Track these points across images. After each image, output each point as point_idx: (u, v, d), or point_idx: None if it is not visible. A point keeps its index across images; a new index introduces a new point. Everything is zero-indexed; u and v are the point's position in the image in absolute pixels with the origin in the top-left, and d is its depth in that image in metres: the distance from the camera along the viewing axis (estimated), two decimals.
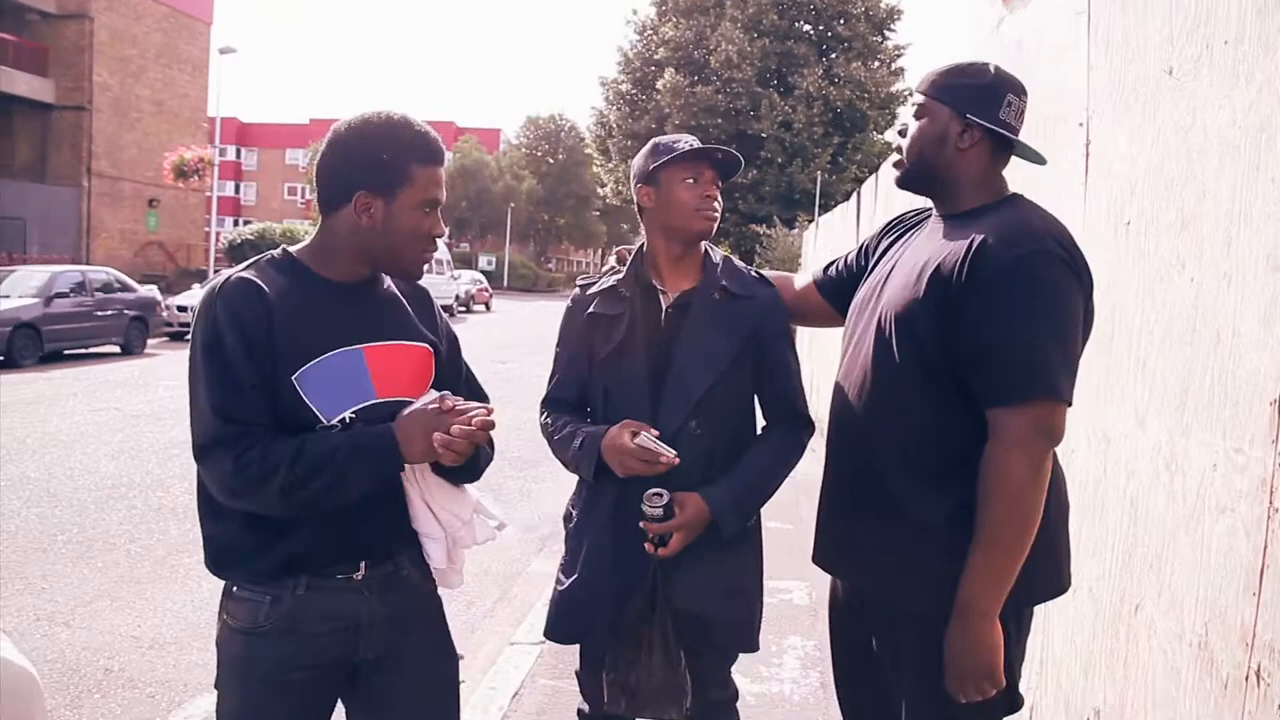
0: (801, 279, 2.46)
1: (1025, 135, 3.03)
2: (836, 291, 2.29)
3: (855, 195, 8.96)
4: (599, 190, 49.62)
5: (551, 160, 69.14)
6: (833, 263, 2.39)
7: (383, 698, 1.93)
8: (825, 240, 11.24)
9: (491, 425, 1.77)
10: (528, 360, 16.50)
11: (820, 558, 2.13)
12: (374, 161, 1.79)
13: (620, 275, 2.32)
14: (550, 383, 2.40)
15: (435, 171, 1.85)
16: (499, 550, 5.99)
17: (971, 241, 1.81)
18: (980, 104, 1.94)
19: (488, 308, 37.89)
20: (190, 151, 26.94)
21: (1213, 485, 1.89)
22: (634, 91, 36.62)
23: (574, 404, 2.35)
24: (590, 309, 2.30)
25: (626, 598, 2.16)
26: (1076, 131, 2.78)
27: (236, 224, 49.40)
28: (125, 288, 16.63)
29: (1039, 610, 2.69)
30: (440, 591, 2.04)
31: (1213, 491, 1.89)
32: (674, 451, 2.08)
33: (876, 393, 1.94)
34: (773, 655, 4.09)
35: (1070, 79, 2.84)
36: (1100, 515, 2.46)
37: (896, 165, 2.11)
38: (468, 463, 1.82)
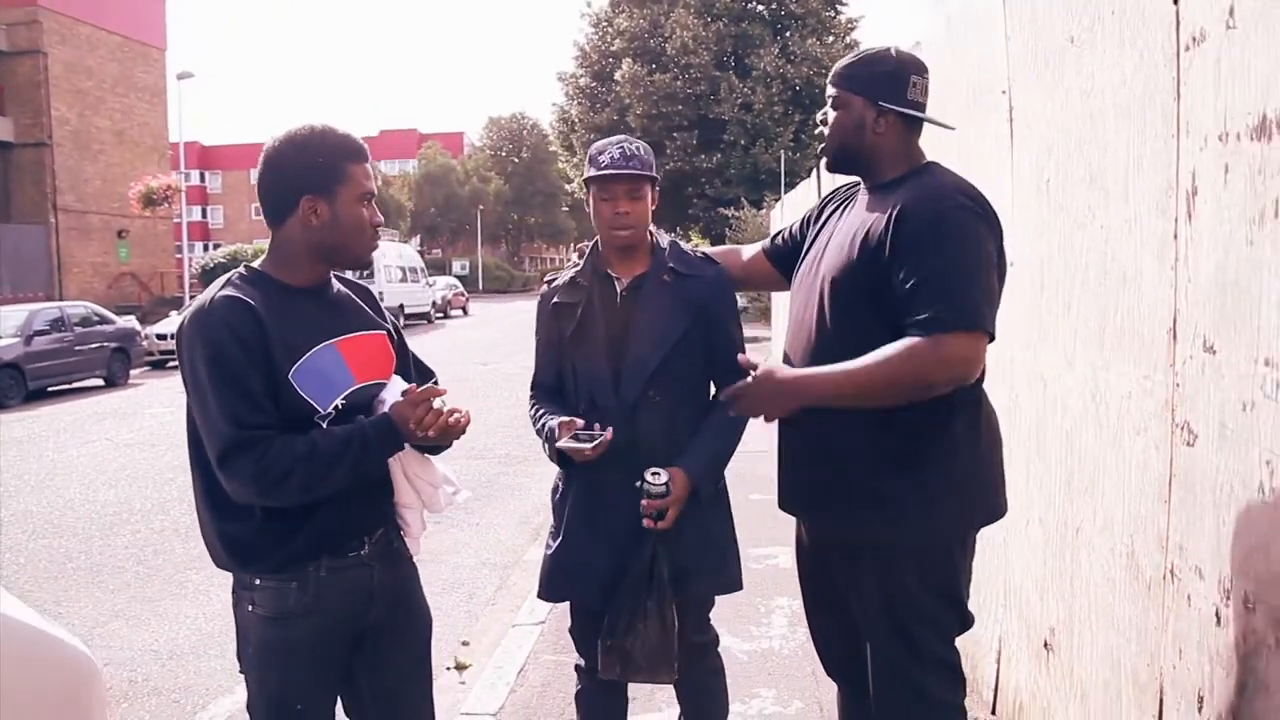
0: (750, 250, 2.67)
1: (958, 105, 3.26)
2: (782, 259, 2.49)
3: (815, 171, 9.17)
4: (566, 186, 49.74)
5: (516, 159, 69.10)
6: (779, 233, 2.59)
7: (381, 656, 2.16)
8: (791, 217, 11.42)
9: (467, 422, 2.05)
10: (509, 360, 16.67)
11: (785, 503, 2.35)
12: (312, 166, 2.00)
13: (579, 267, 2.55)
14: (535, 369, 2.63)
15: (365, 167, 2.06)
16: (496, 543, 6.20)
17: (892, 209, 2.02)
18: (889, 90, 2.13)
19: (465, 312, 37.96)
20: (156, 179, 26.90)
21: (1129, 410, 2.11)
22: (593, 85, 36.69)
23: (554, 386, 2.57)
24: (555, 299, 2.55)
25: (607, 558, 2.36)
26: (1000, 99, 2.99)
27: (206, 248, 49.32)
28: (104, 320, 16.64)
29: (1000, 545, 2.92)
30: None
31: (1129, 416, 2.11)
32: (591, 444, 2.27)
33: (819, 351, 2.13)
34: (761, 615, 4.30)
35: (993, 51, 3.05)
36: (1042, 451, 2.68)
37: (822, 152, 2.32)
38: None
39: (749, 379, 2.03)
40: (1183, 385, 1.85)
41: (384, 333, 2.19)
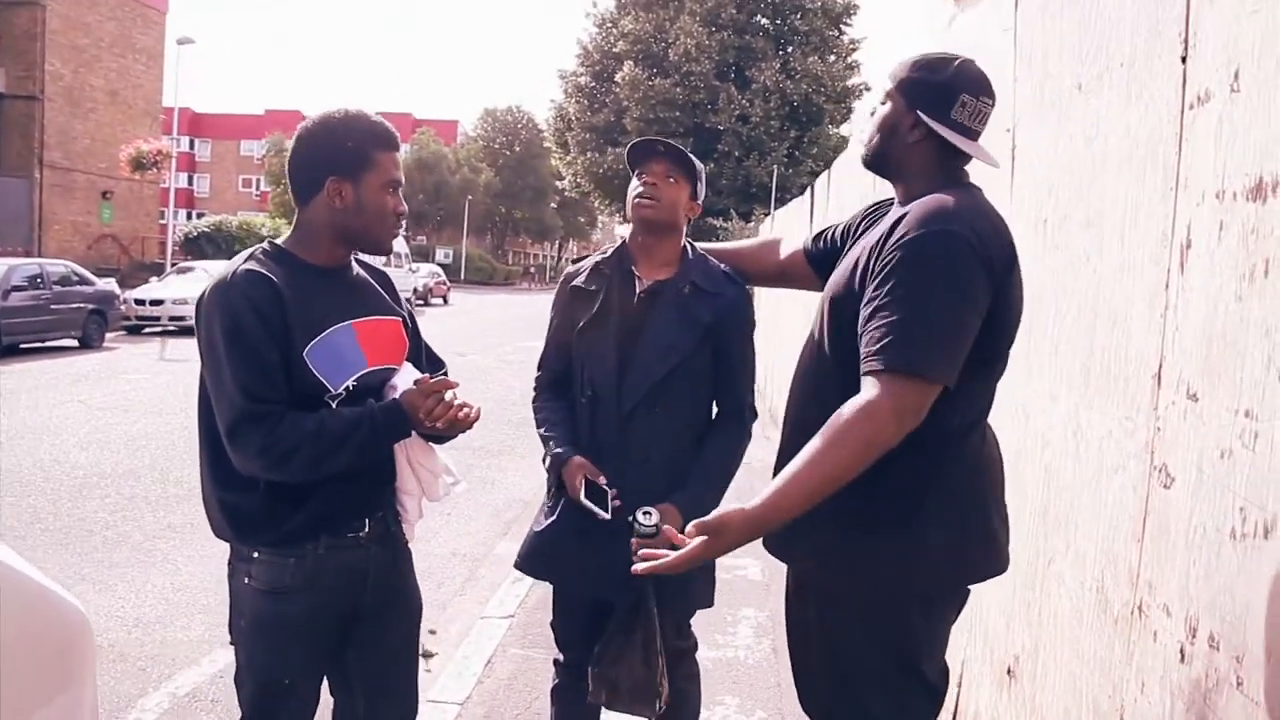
0: (789, 246, 2.56)
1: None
2: (820, 262, 2.34)
3: (809, 189, 9.25)
4: (557, 183, 49.72)
5: (509, 153, 69.05)
6: (822, 233, 2.45)
7: (372, 638, 2.20)
8: (783, 232, 11.51)
9: (476, 417, 2.12)
10: (487, 353, 16.63)
11: (767, 543, 2.09)
12: (340, 150, 2.04)
13: (606, 255, 2.56)
14: (543, 349, 2.64)
15: (393, 156, 2.10)
16: (467, 534, 6.23)
17: (893, 224, 1.92)
18: (932, 102, 1.99)
19: (445, 301, 37.89)
20: (147, 143, 26.67)
21: (1108, 449, 2.17)
22: (593, 84, 36.76)
23: (561, 373, 2.57)
24: (575, 282, 2.55)
25: (599, 555, 2.36)
26: (1004, 137, 3.06)
27: (190, 216, 48.91)
28: (84, 281, 16.51)
29: None
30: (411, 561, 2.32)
31: (1109, 454, 2.17)
32: (609, 514, 2.30)
33: (812, 376, 2.08)
34: (728, 625, 4.35)
35: (1000, 90, 3.11)
36: (1020, 483, 2.74)
37: (865, 144, 2.16)
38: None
39: (697, 545, 1.78)
40: (1164, 429, 1.92)
41: (399, 319, 2.23)
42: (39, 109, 28.43)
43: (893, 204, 2.15)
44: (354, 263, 2.22)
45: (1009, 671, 2.71)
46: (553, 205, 70.29)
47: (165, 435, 8.59)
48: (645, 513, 2.16)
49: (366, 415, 2.00)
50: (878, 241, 1.93)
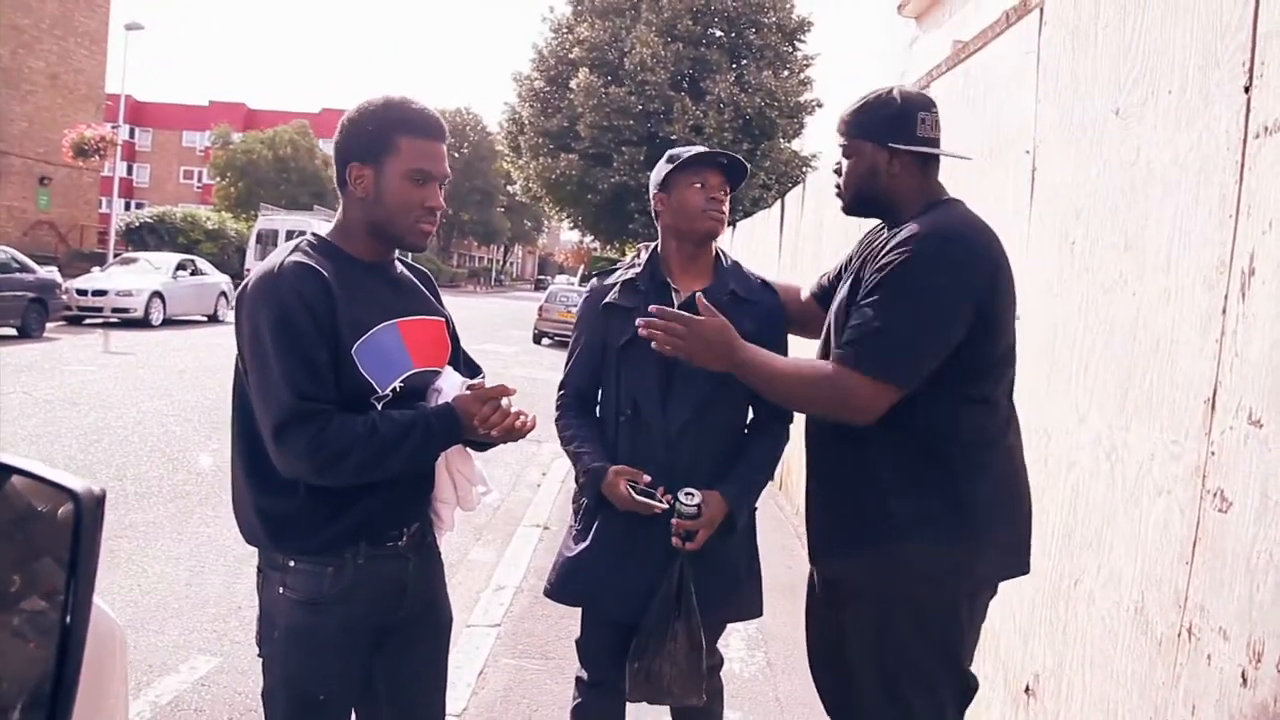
0: (806, 290, 2.64)
1: (976, 158, 3.34)
2: (824, 302, 2.46)
3: (780, 204, 9.30)
4: (507, 187, 49.39)
5: (457, 154, 68.32)
6: (822, 276, 2.58)
7: (404, 651, 2.12)
8: (745, 243, 11.57)
9: (532, 426, 2.04)
10: None
11: (814, 554, 2.32)
12: (363, 134, 1.96)
13: (638, 269, 2.49)
14: (567, 366, 2.56)
15: (425, 144, 1.98)
16: (443, 542, 6.11)
17: (890, 237, 2.07)
18: (898, 130, 2.14)
19: None
20: (91, 130, 25.93)
21: (1151, 472, 2.19)
22: (547, 89, 36.58)
23: (587, 392, 2.52)
24: (607, 299, 2.47)
25: (639, 578, 2.33)
26: (1023, 157, 3.08)
27: (129, 206, 47.65)
28: (24, 268, 15.94)
29: None
30: None
31: (1151, 477, 2.19)
32: (664, 503, 2.28)
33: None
34: (721, 637, 4.33)
35: (1019, 109, 3.15)
36: (1039, 502, 2.76)
37: (839, 197, 2.30)
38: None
39: (701, 316, 2.06)
40: (1218, 454, 1.94)
41: (442, 320, 2.15)
42: None
43: (884, 230, 2.25)
44: (396, 259, 2.15)
45: (1027, 689, 2.73)
46: (500, 209, 69.82)
47: (118, 430, 8.34)
48: (688, 493, 2.28)
49: (420, 419, 1.92)
50: (878, 250, 2.09)
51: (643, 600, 2.32)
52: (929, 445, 2.06)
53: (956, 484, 2.05)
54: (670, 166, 2.43)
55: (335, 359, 1.89)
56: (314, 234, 2.04)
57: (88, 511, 0.89)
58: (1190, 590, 2.00)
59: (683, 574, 2.30)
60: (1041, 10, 3.03)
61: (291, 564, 1.96)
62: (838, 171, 2.27)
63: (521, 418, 1.99)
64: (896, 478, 2.06)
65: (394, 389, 1.96)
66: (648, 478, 2.31)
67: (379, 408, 1.95)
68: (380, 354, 1.96)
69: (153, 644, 4.07)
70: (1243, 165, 1.95)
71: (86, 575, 0.89)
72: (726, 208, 2.44)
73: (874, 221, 2.35)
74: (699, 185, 2.41)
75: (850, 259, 2.41)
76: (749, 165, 2.53)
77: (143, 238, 28.69)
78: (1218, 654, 1.88)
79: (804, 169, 32.55)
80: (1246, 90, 1.95)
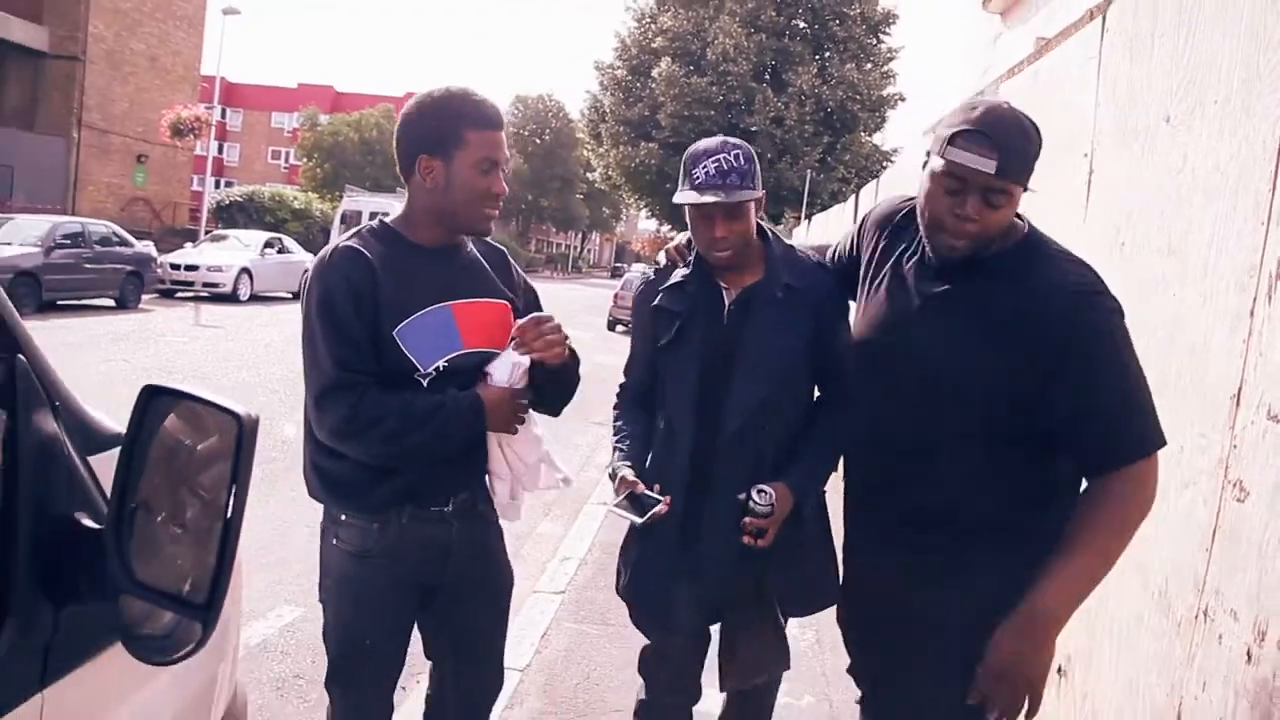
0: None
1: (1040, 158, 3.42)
2: (840, 278, 2.46)
3: (854, 198, 9.37)
4: (587, 174, 49.77)
5: (538, 140, 69.07)
6: (834, 253, 2.58)
7: (461, 603, 2.28)
8: (820, 236, 11.64)
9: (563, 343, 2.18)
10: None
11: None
12: (429, 128, 2.09)
13: (688, 270, 2.40)
14: (628, 359, 2.59)
15: (489, 134, 2.09)
16: None
17: (1041, 305, 1.99)
18: (1032, 171, 2.04)
19: None
20: (187, 110, 26.90)
21: (1179, 464, 2.30)
22: (629, 78, 36.80)
23: (646, 385, 2.52)
24: (655, 302, 2.42)
25: (697, 591, 2.34)
26: (1081, 160, 3.18)
27: (219, 184, 49.19)
28: (123, 242, 16.70)
29: None
30: None
31: (1179, 469, 2.30)
32: (643, 517, 2.25)
33: (952, 454, 2.07)
34: None
35: (1080, 113, 3.25)
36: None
37: (975, 239, 2.00)
38: (555, 390, 2.25)
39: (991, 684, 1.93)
40: (1240, 447, 2.05)
41: (506, 303, 2.25)
42: (80, 70, 28.62)
43: (914, 224, 2.15)
44: (469, 242, 2.26)
45: (1060, 670, 2.85)
46: (579, 196, 70.34)
47: None
48: (760, 491, 2.20)
49: (449, 401, 2.06)
50: (1038, 323, 1.97)
51: (707, 615, 2.41)
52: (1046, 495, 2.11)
53: (1056, 517, 2.05)
54: (678, 190, 2.35)
55: (375, 338, 2.04)
56: (380, 220, 2.20)
57: (247, 431, 1.09)
58: (1209, 575, 2.12)
59: (762, 577, 2.31)
60: (1104, 17, 3.13)
61: (343, 518, 2.16)
62: (964, 217, 1.97)
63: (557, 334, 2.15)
64: (996, 505, 2.07)
65: (438, 368, 2.10)
66: (643, 486, 2.30)
67: (424, 385, 2.09)
68: (426, 333, 2.09)
69: (244, 593, 4.37)
70: (1275, 173, 2.05)
71: (244, 481, 1.10)
72: (736, 229, 2.28)
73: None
74: (701, 219, 2.29)
75: (875, 246, 2.30)
76: (752, 182, 2.31)
77: (232, 215, 29.69)
78: (1228, 633, 2.00)
79: (884, 164, 32.23)
80: None
